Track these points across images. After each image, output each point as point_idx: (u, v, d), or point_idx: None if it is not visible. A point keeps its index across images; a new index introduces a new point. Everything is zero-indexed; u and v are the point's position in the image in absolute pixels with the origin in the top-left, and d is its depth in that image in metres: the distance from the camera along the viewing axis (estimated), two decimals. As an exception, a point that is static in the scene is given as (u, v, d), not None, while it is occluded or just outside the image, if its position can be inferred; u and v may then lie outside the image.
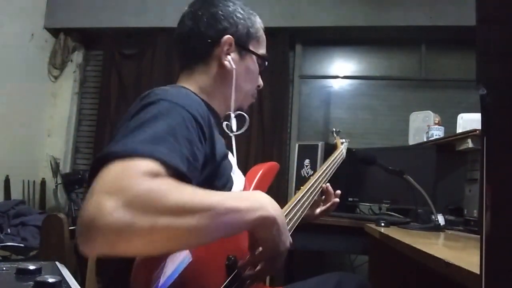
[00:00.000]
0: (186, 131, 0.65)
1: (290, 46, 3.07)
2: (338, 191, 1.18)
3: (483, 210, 0.37)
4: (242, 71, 0.91)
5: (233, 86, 0.89)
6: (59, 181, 2.95)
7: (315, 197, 1.11)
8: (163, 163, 0.56)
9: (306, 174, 2.27)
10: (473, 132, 1.66)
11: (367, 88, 3.12)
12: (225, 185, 0.80)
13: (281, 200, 0.80)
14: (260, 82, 0.99)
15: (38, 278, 0.41)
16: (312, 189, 1.09)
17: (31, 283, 0.41)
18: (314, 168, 2.23)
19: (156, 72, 3.13)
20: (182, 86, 0.86)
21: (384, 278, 1.72)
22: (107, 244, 0.49)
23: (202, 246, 0.61)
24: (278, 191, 2.76)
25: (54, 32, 3.29)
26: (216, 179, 0.77)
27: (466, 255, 0.91)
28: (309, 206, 1.06)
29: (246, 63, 0.92)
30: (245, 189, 0.90)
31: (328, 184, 1.18)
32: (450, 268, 0.72)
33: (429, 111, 2.31)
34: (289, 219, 0.90)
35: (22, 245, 2.25)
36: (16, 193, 2.91)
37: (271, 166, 1.07)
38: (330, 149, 2.22)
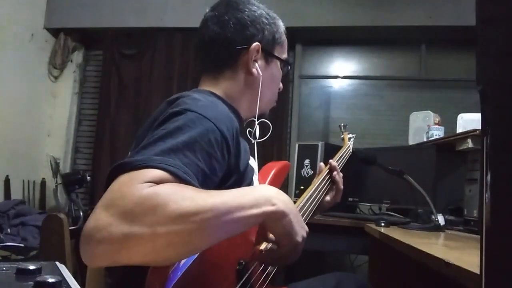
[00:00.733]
0: (207, 144, 0.65)
1: (290, 46, 3.06)
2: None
3: (483, 210, 0.37)
4: (267, 78, 0.91)
5: (259, 93, 0.89)
6: (59, 181, 2.95)
7: (326, 189, 1.11)
8: (172, 174, 0.56)
9: (306, 174, 2.27)
10: (473, 132, 1.66)
11: (367, 88, 3.12)
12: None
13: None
14: (281, 86, 0.99)
15: (38, 278, 0.41)
16: (324, 182, 1.09)
17: (31, 283, 0.41)
18: (314, 168, 2.23)
19: (156, 72, 3.14)
20: (210, 92, 0.86)
21: (384, 278, 1.72)
22: (108, 256, 0.50)
23: (212, 250, 0.60)
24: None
25: (54, 32, 3.29)
26: (241, 185, 0.78)
27: (466, 255, 0.91)
28: (321, 199, 1.06)
29: (272, 69, 0.93)
30: None
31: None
32: (450, 268, 0.72)
33: (429, 111, 2.31)
34: (304, 209, 0.90)
35: (22, 245, 2.25)
36: (16, 193, 2.91)
37: (283, 165, 1.06)
38: (330, 149, 2.23)
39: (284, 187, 2.85)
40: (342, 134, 1.63)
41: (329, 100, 3.16)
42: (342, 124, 1.67)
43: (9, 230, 2.38)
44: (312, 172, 2.23)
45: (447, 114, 2.40)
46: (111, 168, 0.57)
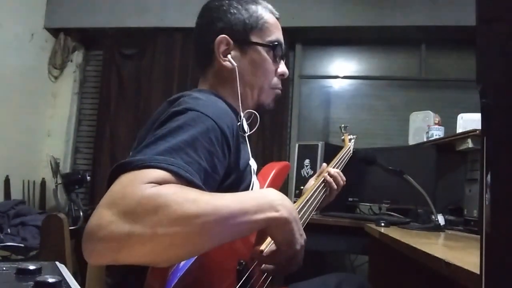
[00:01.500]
0: (209, 142, 0.65)
1: (290, 46, 3.07)
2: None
3: (483, 210, 0.37)
4: (246, 66, 0.90)
5: (238, 84, 0.88)
6: (59, 181, 2.95)
7: (324, 193, 1.11)
8: (175, 173, 0.56)
9: (306, 174, 2.27)
10: (473, 132, 1.66)
11: (367, 88, 3.12)
12: (248, 188, 0.80)
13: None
14: (282, 70, 0.95)
15: (38, 278, 0.41)
16: (321, 187, 1.08)
17: (31, 283, 0.41)
18: (314, 168, 2.23)
19: (156, 72, 3.13)
20: (211, 92, 0.86)
21: (384, 278, 1.72)
22: (109, 254, 0.50)
23: (212, 250, 0.59)
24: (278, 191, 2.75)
25: (54, 32, 3.29)
26: (240, 184, 0.77)
27: (466, 255, 0.91)
28: (319, 202, 1.06)
29: (250, 57, 0.90)
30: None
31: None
32: (450, 268, 0.72)
33: (429, 111, 2.31)
34: (302, 213, 0.90)
35: (22, 245, 2.25)
36: (16, 193, 2.91)
37: (284, 165, 1.05)
38: (330, 149, 2.23)
39: (284, 187, 2.85)
40: (343, 135, 1.62)
41: (329, 100, 3.16)
42: (343, 125, 1.66)
43: (9, 230, 2.37)
44: (312, 172, 2.23)
45: (447, 114, 2.40)
46: (113, 167, 0.57)
